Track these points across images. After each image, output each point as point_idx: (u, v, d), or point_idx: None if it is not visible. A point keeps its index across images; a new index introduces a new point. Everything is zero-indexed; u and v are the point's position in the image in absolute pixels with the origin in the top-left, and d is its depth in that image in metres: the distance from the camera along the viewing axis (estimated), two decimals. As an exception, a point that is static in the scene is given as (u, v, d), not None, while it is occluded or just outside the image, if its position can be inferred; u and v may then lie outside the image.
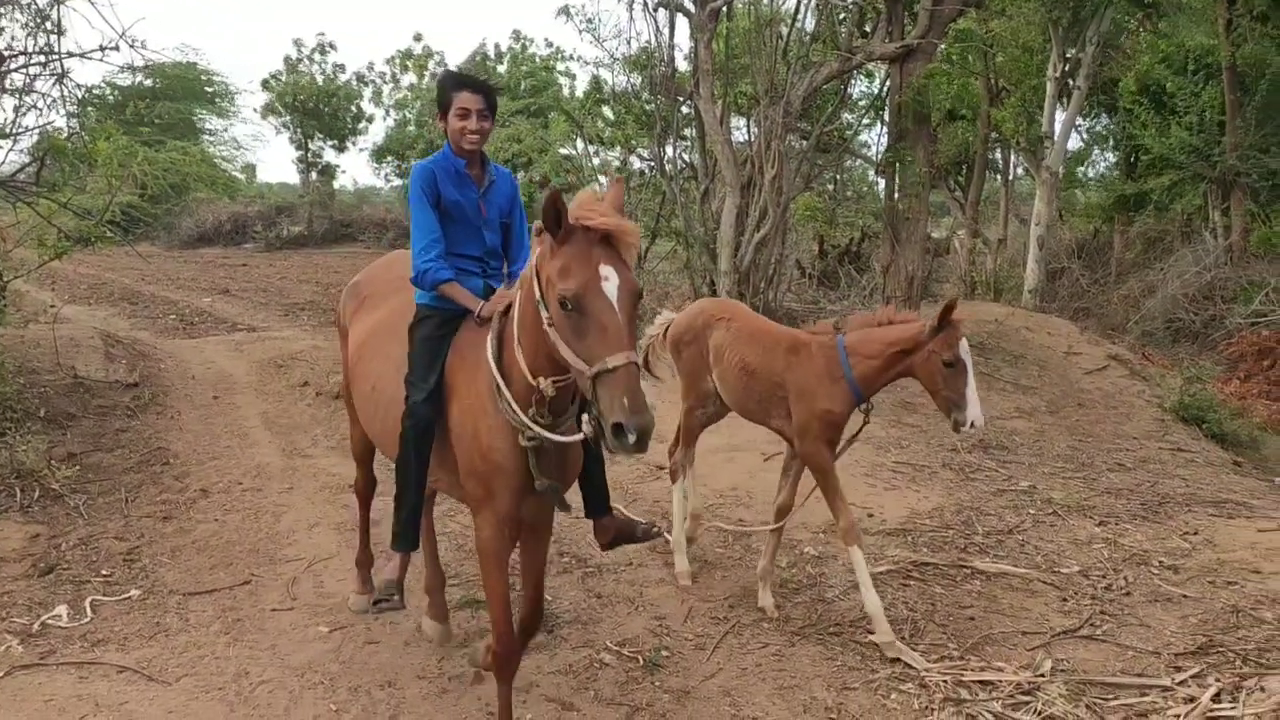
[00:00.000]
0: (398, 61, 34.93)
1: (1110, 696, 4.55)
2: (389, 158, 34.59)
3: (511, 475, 3.59)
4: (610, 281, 3.05)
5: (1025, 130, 17.70)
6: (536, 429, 3.46)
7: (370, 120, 35.16)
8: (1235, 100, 18.07)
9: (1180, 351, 15.98)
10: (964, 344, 4.82)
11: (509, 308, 3.62)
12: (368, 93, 35.07)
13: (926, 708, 4.48)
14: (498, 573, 3.78)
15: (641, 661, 4.83)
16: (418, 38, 38.39)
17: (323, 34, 43.52)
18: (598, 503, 4.16)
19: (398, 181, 35.77)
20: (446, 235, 3.98)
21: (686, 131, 14.09)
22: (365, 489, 5.24)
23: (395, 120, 34.88)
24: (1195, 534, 6.84)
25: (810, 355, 5.17)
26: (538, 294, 3.21)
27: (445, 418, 3.78)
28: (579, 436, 3.30)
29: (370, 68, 35.68)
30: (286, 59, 33.59)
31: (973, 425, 4.81)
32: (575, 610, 5.39)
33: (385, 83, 35.08)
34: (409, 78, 34.92)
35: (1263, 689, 4.38)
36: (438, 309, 3.93)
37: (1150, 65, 19.14)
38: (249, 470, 7.34)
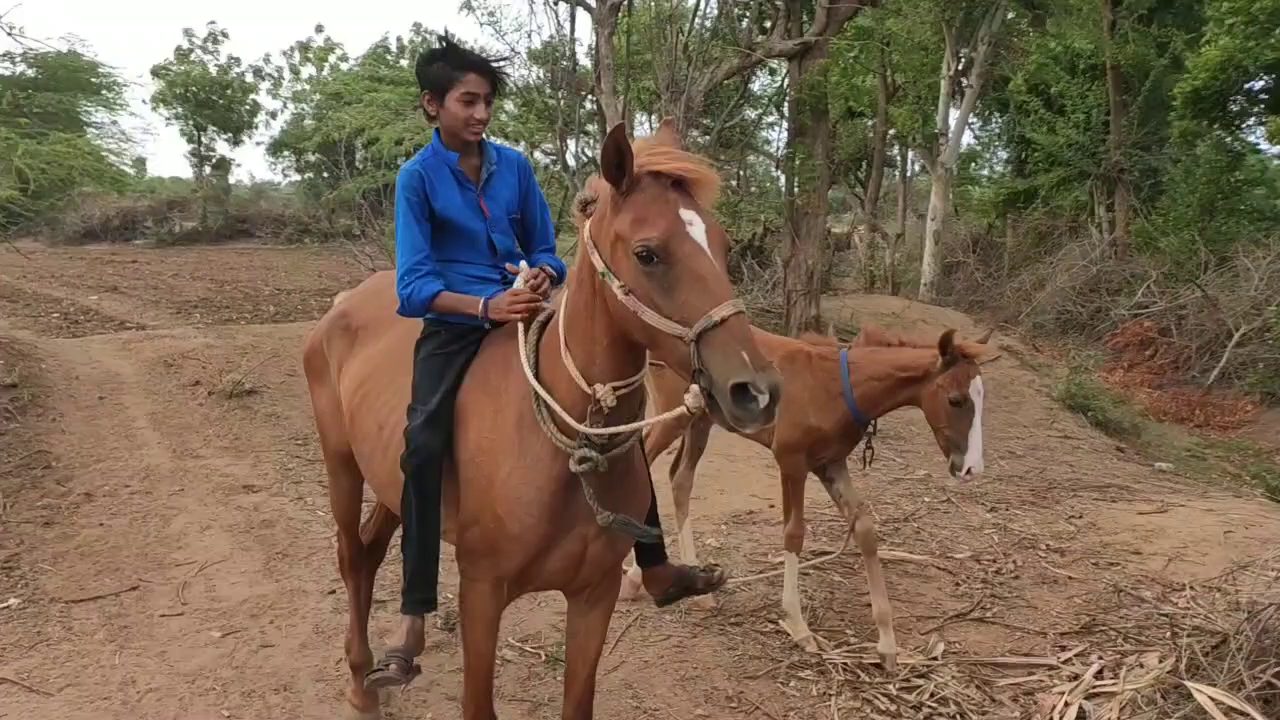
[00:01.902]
0: (296, 54, 34.19)
1: (999, 676, 4.70)
2: (286, 152, 33.80)
3: (529, 531, 2.96)
4: (696, 225, 2.55)
5: (921, 127, 18.16)
6: (596, 431, 2.81)
7: (274, 116, 34.39)
8: (1119, 100, 18.81)
9: (1068, 342, 16.56)
10: (977, 383, 4.47)
11: (550, 317, 3.03)
12: (265, 86, 34.26)
13: (825, 693, 4.55)
14: (486, 638, 3.17)
15: (544, 657, 4.81)
16: (319, 29, 37.66)
17: (214, 23, 42.35)
18: (650, 549, 3.50)
19: (296, 176, 34.99)
20: (448, 247, 3.36)
21: (590, 127, 14.09)
22: (355, 559, 4.36)
23: (293, 114, 34.15)
24: (1080, 518, 7.10)
25: (807, 367, 4.91)
26: (601, 265, 2.63)
27: (455, 452, 3.13)
28: (678, 412, 2.61)
29: (267, 60, 34.88)
30: (177, 49, 32.62)
31: (969, 472, 4.49)
32: (477, 608, 5.34)
33: (283, 76, 34.32)
34: (308, 70, 34.22)
35: (1142, 665, 4.56)
36: (447, 323, 3.32)
37: (1039, 65, 19.78)
38: (137, 472, 7.10)
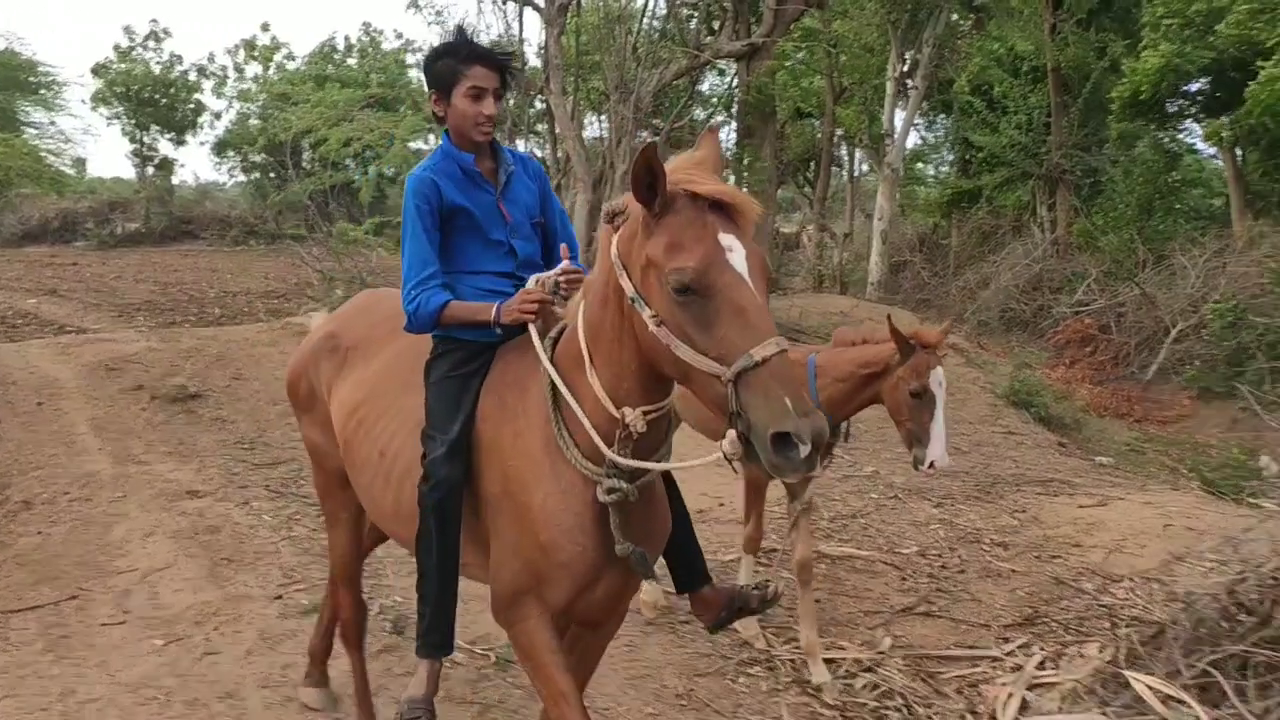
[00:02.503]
0: (241, 52, 33.72)
1: (945, 669, 4.78)
2: (231, 152, 33.32)
3: (577, 559, 2.72)
4: (736, 253, 2.33)
5: (867, 128, 18.35)
6: (624, 462, 2.60)
7: (218, 116, 33.89)
8: (1060, 102, 19.15)
9: (1012, 339, 16.83)
10: (938, 374, 4.38)
11: (561, 331, 2.84)
12: (209, 85, 33.75)
13: (773, 689, 4.59)
14: (560, 674, 2.79)
15: (494, 658, 4.80)
16: (265, 27, 37.19)
17: (155, 21, 41.62)
18: (692, 572, 3.23)
19: (242, 177, 34.50)
20: (465, 254, 3.12)
21: (540, 127, 14.07)
22: (360, 624, 4.02)
23: (238, 113, 33.67)
24: (1023, 512, 7.23)
25: None
26: (630, 289, 2.44)
27: (478, 482, 2.91)
28: (713, 457, 2.41)
29: (211, 59, 34.37)
30: (116, 47, 32.02)
31: (932, 465, 4.38)
32: (426, 610, 5.31)
33: (227, 75, 33.82)
34: (253, 69, 33.77)
35: (1082, 655, 4.66)
36: (459, 340, 3.08)
37: (982, 67, 20.09)
38: (77, 479, 6.96)
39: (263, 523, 6.33)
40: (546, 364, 2.77)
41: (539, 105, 13.36)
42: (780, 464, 2.17)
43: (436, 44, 3.21)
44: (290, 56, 33.67)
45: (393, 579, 5.55)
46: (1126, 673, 3.80)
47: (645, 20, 12.92)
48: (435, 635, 3.00)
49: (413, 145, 15.35)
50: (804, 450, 2.13)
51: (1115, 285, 16.24)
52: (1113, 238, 17.39)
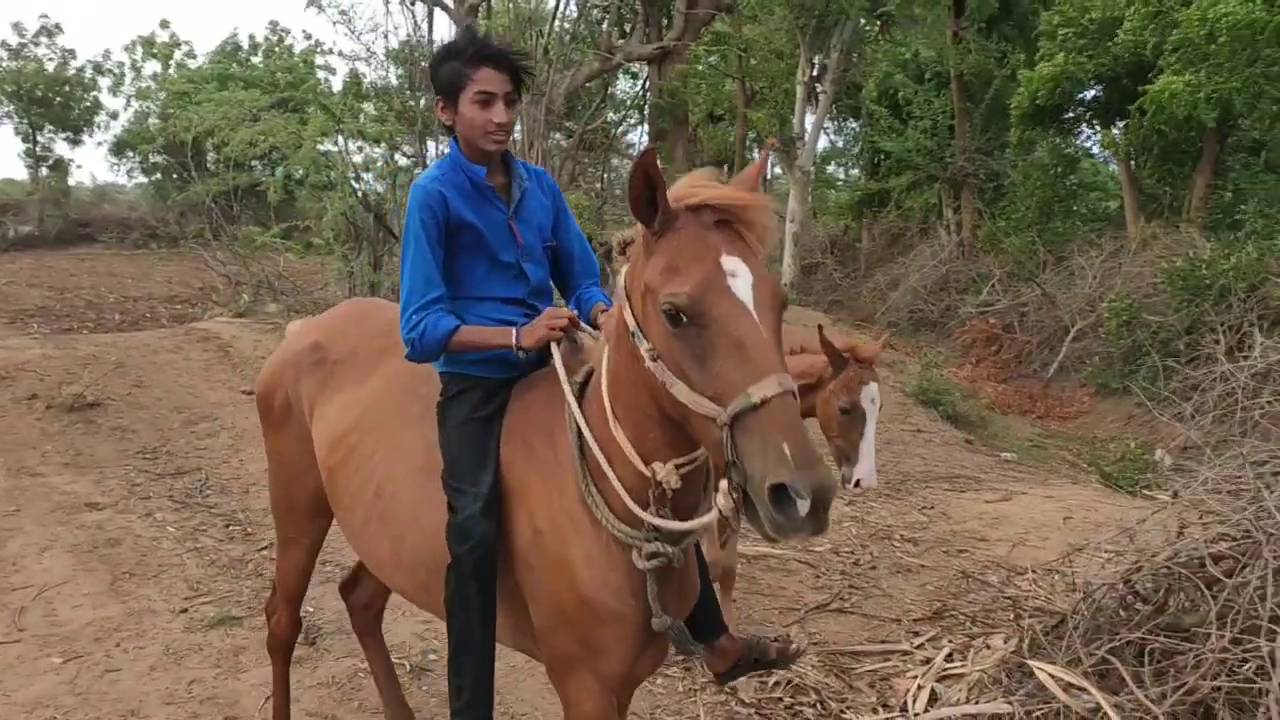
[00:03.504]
0: (139, 49, 32.68)
1: (857, 664, 4.86)
2: (130, 152, 32.27)
3: (628, 619, 2.49)
4: (739, 278, 2.08)
5: (778, 131, 18.57)
6: (662, 522, 2.37)
7: (115, 116, 32.78)
8: (963, 107, 19.63)
9: (921, 339, 17.20)
10: (871, 390, 4.24)
11: (589, 376, 2.59)
12: (106, 83, 32.64)
13: (690, 689, 4.62)
14: None
15: (409, 667, 4.74)
16: (164, 24, 36.12)
17: (46, 16, 40.09)
18: (709, 620, 2.98)
19: (142, 178, 33.44)
20: (471, 277, 2.83)
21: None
22: (290, 639, 3.90)
23: (136, 112, 32.61)
24: (932, 508, 7.40)
25: None
26: (631, 321, 2.22)
27: (508, 537, 2.65)
28: (710, 517, 2.26)
29: (107, 56, 33.23)
30: (5, 43, 30.76)
31: (859, 484, 4.28)
32: (339, 620, 5.20)
33: (126, 72, 32.74)
34: (152, 66, 32.75)
35: (989, 646, 4.78)
36: (472, 377, 2.79)
37: (888, 73, 20.51)
38: (-33, 493, 6.68)
39: (166, 534, 6.16)
40: (574, 410, 2.52)
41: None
42: (780, 522, 1.91)
43: (440, 48, 2.91)
44: (191, 55, 32.76)
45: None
46: (1030, 662, 3.91)
47: (556, 22, 12.89)
48: (476, 711, 2.73)
49: (322, 148, 15.04)
50: (803, 507, 1.88)
51: (1018, 286, 16.69)
52: (1015, 240, 17.89)
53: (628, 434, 2.37)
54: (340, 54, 52.35)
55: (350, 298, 13.28)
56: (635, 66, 15.93)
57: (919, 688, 4.43)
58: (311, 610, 5.13)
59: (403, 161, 14.99)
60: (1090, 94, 16.76)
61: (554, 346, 2.67)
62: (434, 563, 2.74)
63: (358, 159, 14.77)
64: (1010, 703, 3.80)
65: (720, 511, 2.08)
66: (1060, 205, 18.88)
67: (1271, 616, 3.26)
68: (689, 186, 2.19)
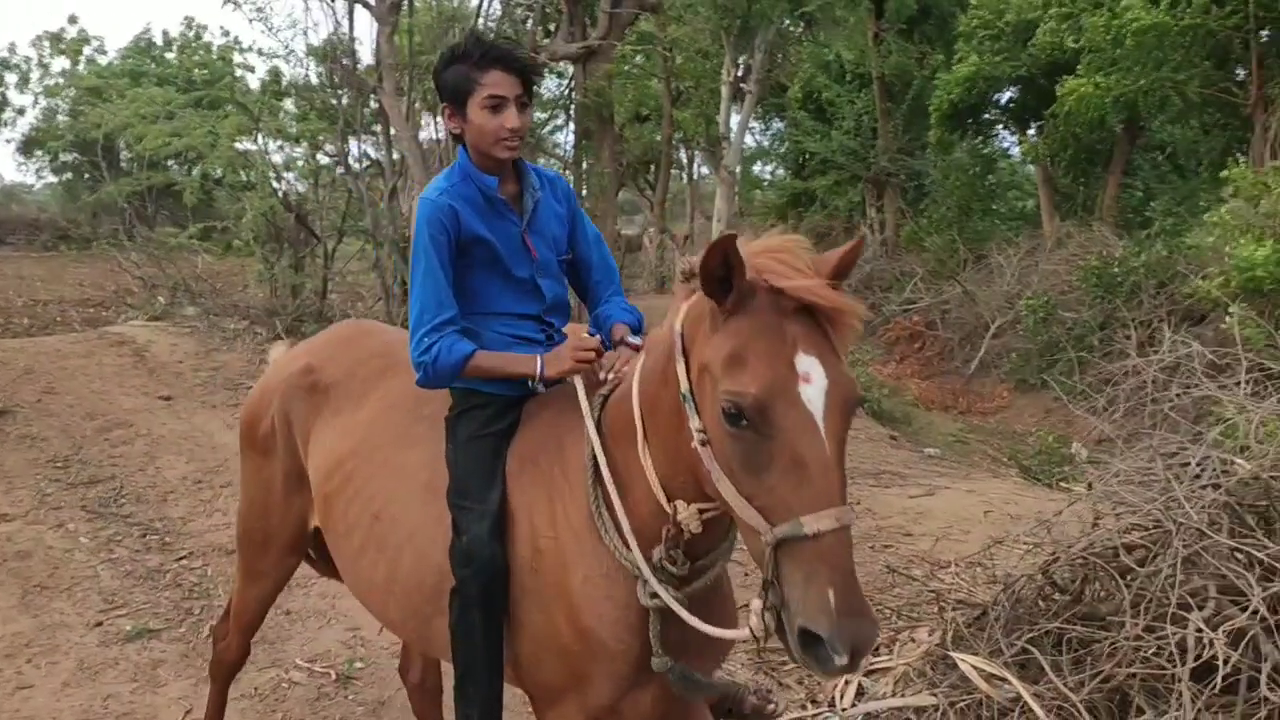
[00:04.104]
0: (46, 44, 31.66)
1: (785, 663, 4.88)
2: (38, 151, 31.26)
3: (620, 657, 2.33)
4: (813, 384, 1.87)
5: (704, 131, 18.67)
6: (663, 593, 2.20)
7: (22, 112, 31.71)
8: (885, 108, 19.96)
9: (846, 337, 17.39)
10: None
11: (613, 390, 2.42)
12: (12, 79, 31.56)
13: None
14: None
15: (334, 676, 4.65)
16: (73, 20, 35.03)
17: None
18: None
19: (51, 178, 32.43)
20: (484, 292, 2.66)
21: (376, 127, 13.75)
22: (238, 660, 3.75)
23: (44, 109, 31.61)
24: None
25: None
26: (684, 382, 2.03)
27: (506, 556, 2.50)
28: (740, 634, 2.07)
29: (13, 50, 32.09)
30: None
31: None
32: (261, 629, 5.08)
33: (33, 68, 31.70)
34: (61, 63, 31.75)
35: (913, 639, 4.84)
36: (484, 393, 2.63)
37: (812, 73, 20.76)
38: None
39: (79, 546, 5.97)
40: (590, 429, 2.36)
41: (374, 105, 13.04)
42: (810, 664, 1.81)
43: (444, 50, 2.71)
44: (101, 50, 31.86)
45: (224, 598, 5.31)
46: (953, 654, 3.97)
47: (480, 20, 12.79)
48: None
49: (240, 146, 14.75)
50: (838, 661, 1.75)
51: (940, 284, 17.01)
52: (936, 238, 18.22)
53: (657, 464, 2.20)
54: (259, 52, 51.25)
55: (272, 300, 13.09)
56: (560, 66, 15.87)
57: (846, 682, 4.47)
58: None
59: (325, 161, 14.79)
60: (1007, 96, 17.15)
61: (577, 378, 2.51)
62: (429, 586, 2.60)
63: (278, 158, 14.52)
64: (935, 695, 3.85)
65: (751, 632, 1.91)
66: (979, 204, 19.30)
67: (1181, 603, 3.35)
68: (776, 262, 1.95)
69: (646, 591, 2.24)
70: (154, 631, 4.94)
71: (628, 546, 2.26)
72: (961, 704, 3.74)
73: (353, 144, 13.01)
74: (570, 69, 17.21)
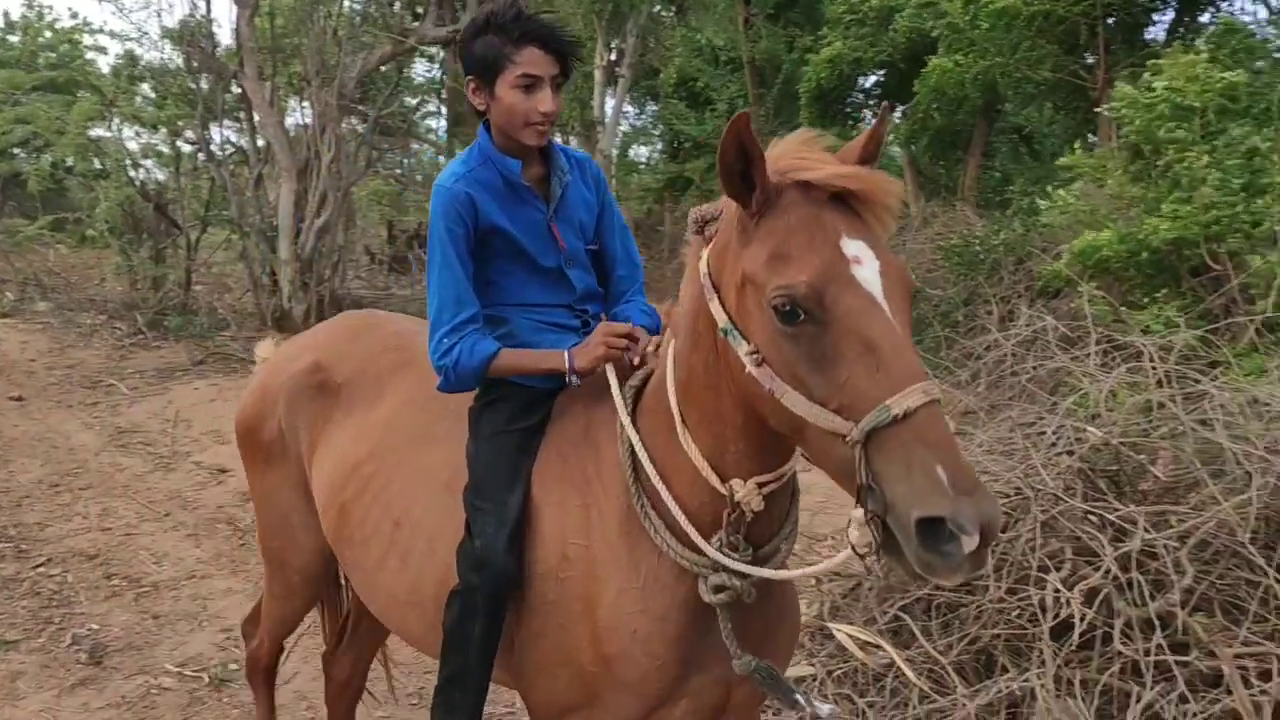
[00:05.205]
0: None
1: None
2: None
3: (651, 676, 2.13)
4: (865, 265, 1.75)
5: (579, 115, 18.62)
6: (734, 565, 2.01)
7: None
8: (757, 92, 20.24)
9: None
10: None
11: (646, 379, 2.24)
12: None
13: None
14: None
15: (207, 679, 4.53)
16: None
17: None
18: None
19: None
20: (508, 284, 2.47)
21: (240, 113, 13.29)
22: (272, 659, 3.52)
23: None
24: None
25: None
26: (723, 318, 1.87)
27: (523, 561, 2.29)
28: (840, 557, 1.88)
29: None
30: None
31: None
32: (128, 635, 4.92)
33: None
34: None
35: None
36: (513, 384, 2.42)
37: (685, 58, 20.90)
38: None
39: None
40: (625, 420, 2.18)
41: (236, 89, 12.60)
42: (933, 562, 1.58)
43: (477, 16, 2.45)
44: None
45: (86, 605, 5.13)
46: (830, 625, 4.09)
47: (346, 3, 12.47)
48: None
49: (94, 133, 14.05)
50: (968, 545, 1.53)
51: (812, 264, 17.35)
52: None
53: (702, 447, 2.02)
54: (111, 33, 48.89)
55: (131, 293, 12.56)
56: (431, 50, 15.61)
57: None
58: (95, 628, 4.83)
59: (186, 149, 14.23)
60: (872, 80, 17.60)
61: (609, 366, 2.33)
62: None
63: (134, 145, 13.92)
64: (813, 664, 3.96)
65: (853, 548, 1.71)
66: (849, 186, 19.74)
67: (1040, 566, 3.53)
68: (794, 158, 1.85)
69: (710, 586, 2.05)
70: (11, 643, 4.72)
71: (681, 542, 2.08)
72: (839, 672, 3.86)
73: (215, 130, 12.54)
74: (441, 53, 16.96)
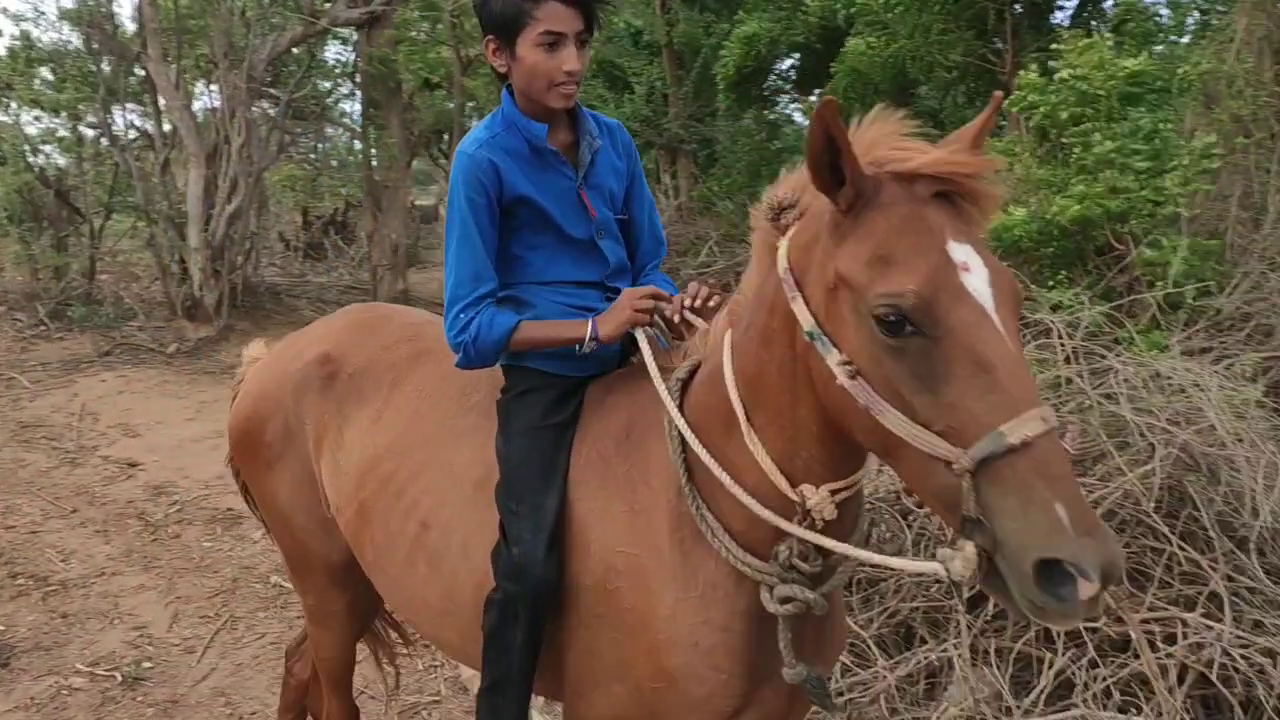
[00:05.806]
0: None
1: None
2: None
3: (718, 692, 1.99)
4: (974, 273, 1.57)
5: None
6: (848, 551, 1.87)
7: None
8: (676, 76, 20.27)
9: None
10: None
11: (694, 370, 2.09)
12: None
13: (430, 665, 4.57)
14: None
15: (120, 678, 4.41)
16: None
17: None
18: None
19: None
20: (535, 259, 2.32)
21: (145, 97, 12.87)
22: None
23: None
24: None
25: None
26: (809, 321, 1.70)
27: (565, 572, 2.14)
28: (930, 568, 1.68)
29: None
30: None
31: None
32: (35, 636, 4.77)
33: None
34: None
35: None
36: (545, 374, 2.28)
37: (604, 41, 20.83)
38: None
39: None
40: (674, 413, 2.01)
41: (141, 72, 12.20)
42: (1046, 605, 1.43)
43: None
44: None
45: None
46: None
47: (255, -18, 12.13)
48: None
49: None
50: (1087, 590, 1.38)
51: (733, 247, 17.48)
52: (728, 203, 18.70)
53: (771, 449, 1.86)
54: (5, 12, 46.93)
55: (32, 283, 12.11)
56: (344, 32, 15.28)
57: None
58: (2, 629, 4.67)
59: (89, 133, 13.75)
60: (789, 63, 17.75)
61: (640, 335, 2.18)
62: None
63: (33, 130, 13.42)
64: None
65: (948, 575, 1.54)
66: (768, 169, 19.83)
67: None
68: (892, 147, 1.67)
69: (777, 597, 1.90)
70: None
71: (743, 546, 1.94)
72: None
73: (118, 114, 12.13)
74: (354, 35, 16.62)
